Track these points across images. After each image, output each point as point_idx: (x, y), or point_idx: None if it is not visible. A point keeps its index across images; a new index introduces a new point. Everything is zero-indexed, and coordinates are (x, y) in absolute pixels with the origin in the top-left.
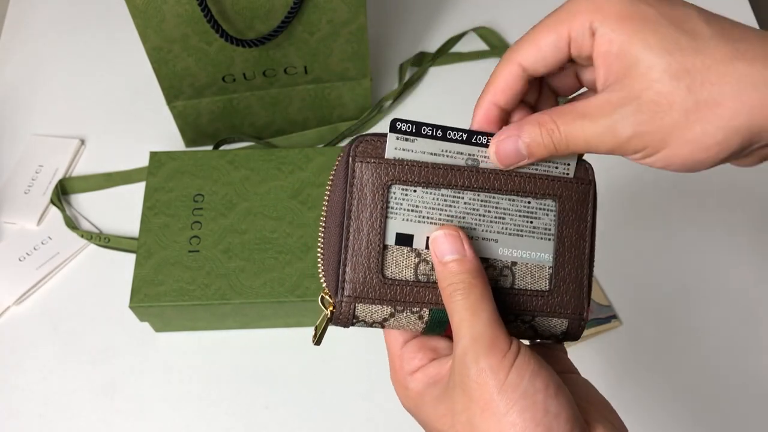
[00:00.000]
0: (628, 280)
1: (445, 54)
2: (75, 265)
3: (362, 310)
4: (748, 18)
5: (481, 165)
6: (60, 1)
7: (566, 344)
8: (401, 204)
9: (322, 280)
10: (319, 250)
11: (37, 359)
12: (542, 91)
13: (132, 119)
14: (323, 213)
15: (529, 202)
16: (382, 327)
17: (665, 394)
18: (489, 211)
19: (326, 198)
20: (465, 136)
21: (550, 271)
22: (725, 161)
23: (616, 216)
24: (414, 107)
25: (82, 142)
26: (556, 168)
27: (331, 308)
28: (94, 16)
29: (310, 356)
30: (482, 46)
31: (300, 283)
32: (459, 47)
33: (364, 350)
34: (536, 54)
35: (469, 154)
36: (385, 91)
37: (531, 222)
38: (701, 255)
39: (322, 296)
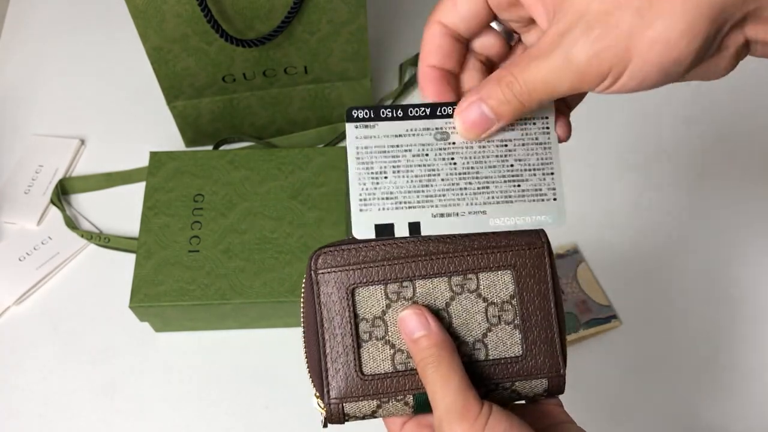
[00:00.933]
0: (628, 280)
1: None
2: (75, 265)
3: (350, 408)
4: None
5: (452, 137)
6: (60, 1)
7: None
8: (366, 302)
9: (312, 386)
10: (305, 359)
11: (37, 359)
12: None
13: (132, 119)
14: (302, 324)
15: (485, 307)
16: (374, 417)
17: (665, 393)
18: (470, 184)
19: (302, 312)
20: (428, 111)
21: (520, 336)
22: (702, 56)
23: (616, 216)
24: None
25: (82, 142)
26: (536, 139)
27: (324, 409)
28: (94, 16)
29: None
30: None
31: (300, 283)
32: None
33: None
34: (453, 11)
35: (437, 128)
36: (385, 91)
37: (516, 174)
38: (701, 255)
39: (316, 399)
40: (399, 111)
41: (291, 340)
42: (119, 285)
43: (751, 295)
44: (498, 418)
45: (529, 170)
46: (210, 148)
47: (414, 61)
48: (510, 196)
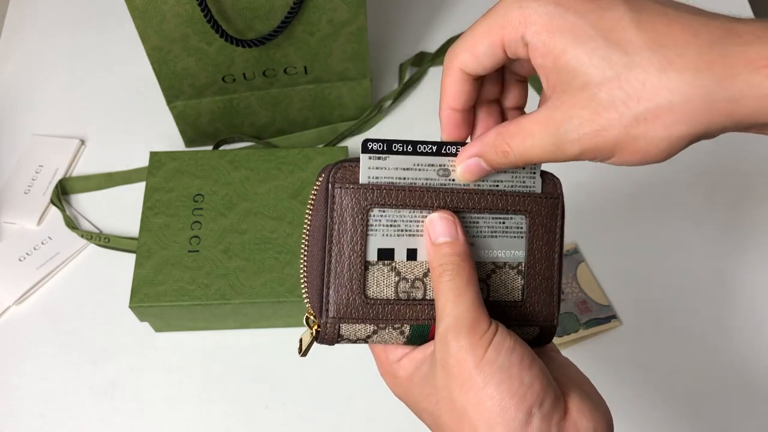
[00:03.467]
0: (628, 280)
1: (445, 54)
2: (75, 265)
3: (346, 329)
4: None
5: (452, 174)
6: (60, 1)
7: (566, 345)
8: (380, 221)
9: (306, 302)
10: (302, 272)
11: (37, 359)
12: (505, 81)
13: (132, 119)
14: (305, 235)
15: (501, 221)
16: (366, 343)
17: (665, 393)
18: (463, 218)
19: (307, 221)
20: (434, 148)
21: (522, 282)
22: (674, 154)
23: (616, 216)
24: (414, 107)
25: (82, 142)
26: (523, 182)
27: (316, 327)
28: (94, 16)
29: (310, 356)
30: None
31: (300, 283)
32: None
33: (364, 350)
34: (474, 60)
35: (440, 165)
36: (385, 91)
37: (504, 230)
38: (702, 255)
39: (306, 316)
40: (409, 146)
41: (291, 340)
42: (119, 285)
43: (751, 295)
44: (503, 336)
45: (515, 211)
46: (210, 148)
47: (414, 61)
48: (495, 232)
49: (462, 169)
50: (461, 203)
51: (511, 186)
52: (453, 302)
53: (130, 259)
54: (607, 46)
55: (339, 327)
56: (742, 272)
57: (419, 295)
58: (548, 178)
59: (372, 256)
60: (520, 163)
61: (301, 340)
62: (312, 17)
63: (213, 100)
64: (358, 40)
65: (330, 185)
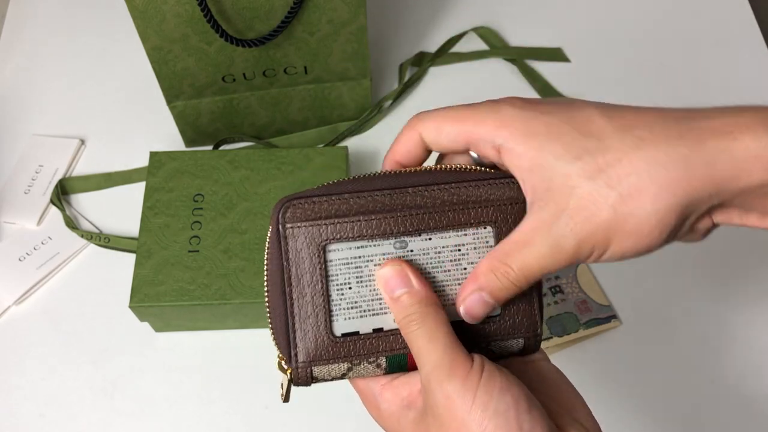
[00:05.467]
0: (628, 280)
1: (445, 54)
2: (75, 265)
3: (320, 371)
4: (749, 18)
5: (410, 246)
6: (60, 1)
7: (565, 346)
8: (338, 255)
9: (276, 348)
10: (268, 318)
11: (37, 359)
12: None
13: (132, 119)
14: (265, 282)
15: (465, 234)
16: (342, 379)
17: (665, 394)
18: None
19: (265, 268)
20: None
21: None
22: (672, 239)
23: None
24: (414, 107)
25: (82, 142)
26: (486, 240)
27: (289, 372)
28: (94, 16)
29: None
30: (482, 46)
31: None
32: (459, 47)
33: None
34: (435, 134)
35: (396, 238)
36: (385, 91)
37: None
38: (702, 254)
39: (279, 362)
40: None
41: None
42: (119, 285)
43: (751, 295)
44: (491, 374)
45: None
46: (210, 148)
47: (414, 61)
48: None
49: (466, 310)
50: (422, 224)
51: (474, 248)
52: (427, 349)
53: (130, 259)
54: (581, 137)
55: (311, 370)
56: (743, 272)
57: (389, 325)
58: (509, 182)
59: (335, 293)
60: (523, 281)
61: (282, 385)
62: (312, 17)
63: (213, 100)
64: (358, 40)
65: (280, 226)
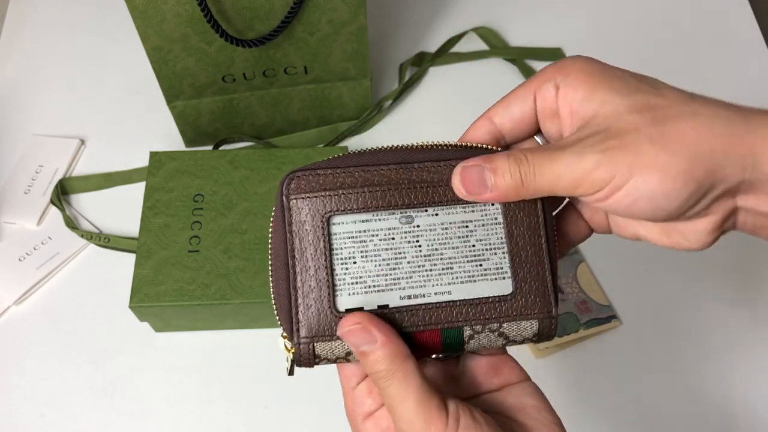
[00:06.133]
0: (628, 280)
1: (445, 54)
2: (75, 265)
3: (322, 348)
4: (749, 18)
5: (416, 221)
6: (60, 1)
7: (566, 346)
8: (342, 227)
9: (279, 324)
10: (272, 293)
11: (37, 359)
12: None
13: (132, 119)
14: (270, 256)
15: (472, 209)
16: (347, 361)
17: (665, 394)
18: (435, 265)
19: (270, 242)
20: None
21: (510, 272)
22: (691, 206)
23: None
24: (414, 107)
25: (82, 142)
26: (494, 216)
27: (292, 350)
28: (94, 16)
29: None
30: (482, 46)
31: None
32: (459, 47)
33: None
34: (504, 109)
35: (401, 212)
36: (385, 91)
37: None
38: (702, 254)
39: (283, 340)
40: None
41: None
42: (119, 285)
43: (751, 295)
44: (469, 423)
45: (490, 249)
46: (210, 148)
47: (414, 61)
48: (473, 276)
49: (461, 173)
50: (427, 198)
51: (483, 225)
52: (399, 407)
53: (130, 259)
54: (638, 82)
55: (313, 347)
56: (743, 272)
57: (395, 302)
58: None
59: (339, 267)
60: (530, 177)
61: (287, 359)
62: (312, 17)
63: (213, 100)
64: (358, 40)
65: (285, 198)
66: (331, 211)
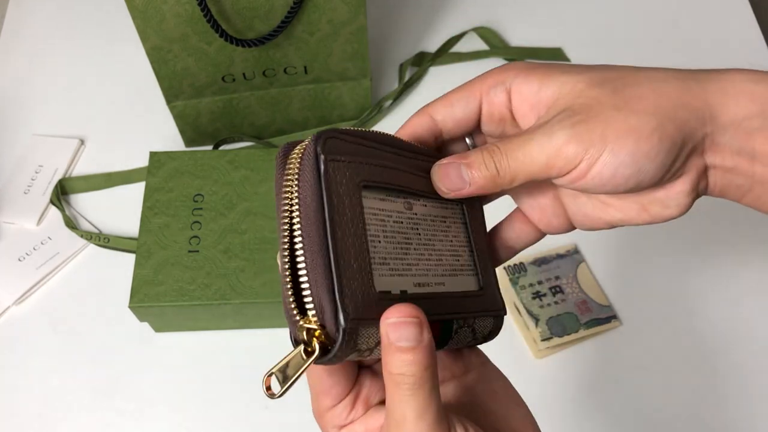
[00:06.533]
0: (628, 280)
1: (445, 54)
2: (75, 265)
3: (363, 334)
4: (749, 18)
5: (414, 208)
6: (60, 1)
7: (566, 346)
8: (371, 218)
9: (310, 306)
10: (300, 268)
11: (37, 359)
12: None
13: (132, 119)
14: (291, 224)
15: (446, 207)
16: (362, 358)
17: (665, 394)
18: (431, 255)
19: (295, 205)
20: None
21: (477, 269)
22: (669, 166)
23: None
24: (414, 107)
25: (82, 142)
26: (461, 216)
27: (322, 339)
28: (94, 16)
29: None
30: (482, 46)
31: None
32: (459, 47)
33: None
34: (447, 108)
35: (403, 198)
36: (385, 91)
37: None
38: (702, 254)
39: (302, 328)
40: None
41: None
42: (119, 285)
43: (751, 295)
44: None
45: (462, 246)
46: (210, 148)
47: (414, 61)
48: (455, 270)
49: (438, 171)
50: (425, 187)
51: (454, 222)
52: (413, 422)
53: (130, 259)
54: (586, 67)
55: (358, 333)
56: (743, 272)
57: (411, 289)
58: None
59: (370, 244)
60: (504, 165)
61: (275, 374)
62: (312, 17)
63: (213, 100)
64: (358, 40)
65: (322, 158)
66: (364, 180)
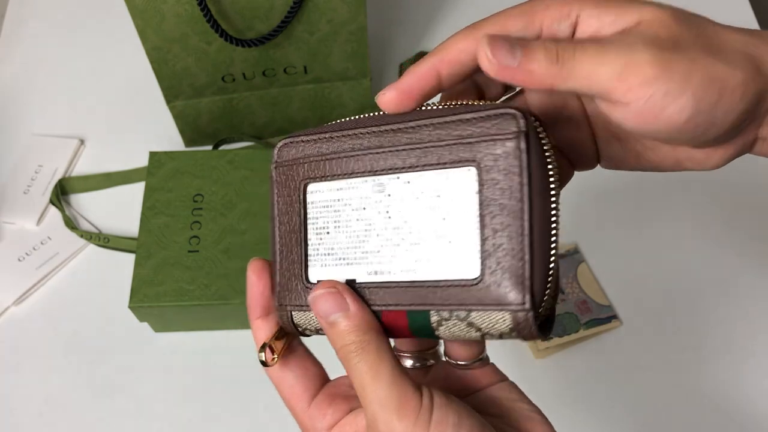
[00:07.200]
0: (628, 280)
1: None
2: (74, 265)
3: (299, 317)
4: (749, 18)
5: (387, 189)
6: (60, 1)
7: (566, 346)
8: (320, 212)
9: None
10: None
11: (36, 359)
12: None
13: (132, 119)
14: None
15: (445, 177)
16: (319, 334)
17: (665, 394)
18: (403, 239)
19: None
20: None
21: (479, 254)
22: (737, 127)
23: (616, 216)
24: None
25: (82, 142)
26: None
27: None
28: (94, 16)
29: None
30: None
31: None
32: None
33: None
34: (501, 32)
35: (374, 180)
36: None
37: (447, 229)
38: (702, 255)
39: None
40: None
41: None
42: (119, 285)
43: (752, 294)
44: (443, 410)
45: (460, 224)
46: (209, 148)
47: (414, 60)
48: (440, 254)
49: (490, 42)
50: (400, 163)
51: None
52: (371, 385)
53: (130, 259)
54: (660, 3)
55: (291, 315)
56: (743, 272)
57: (362, 278)
58: (506, 114)
59: (314, 237)
60: (569, 54)
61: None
62: (312, 17)
63: (212, 100)
64: (357, 40)
65: (272, 165)
66: (306, 179)
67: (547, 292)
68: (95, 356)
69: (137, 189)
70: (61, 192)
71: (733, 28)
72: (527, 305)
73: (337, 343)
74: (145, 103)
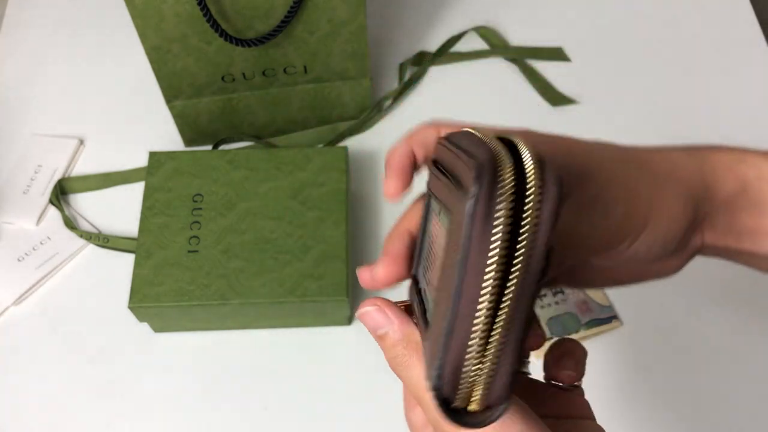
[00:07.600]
0: None
1: (445, 53)
2: (74, 265)
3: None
4: (749, 18)
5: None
6: (60, 1)
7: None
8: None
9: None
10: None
11: (36, 359)
12: None
13: (131, 119)
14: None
15: (438, 211)
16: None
17: (665, 394)
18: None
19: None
20: None
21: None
22: (683, 245)
23: None
24: (414, 107)
25: (81, 142)
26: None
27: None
28: (94, 16)
29: (310, 356)
30: (483, 45)
31: (300, 284)
32: (459, 46)
33: (364, 350)
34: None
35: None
36: (385, 90)
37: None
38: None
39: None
40: None
41: (291, 340)
42: (119, 285)
43: (752, 296)
44: (512, 419)
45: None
46: (209, 147)
47: (414, 60)
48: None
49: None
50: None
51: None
52: (426, 397)
53: (130, 259)
54: (605, 143)
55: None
56: (743, 272)
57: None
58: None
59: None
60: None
61: None
62: (312, 17)
63: (212, 100)
64: (358, 40)
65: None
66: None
67: (460, 388)
68: (95, 356)
69: (137, 189)
70: (61, 192)
71: (662, 151)
72: (441, 373)
73: (387, 354)
74: (145, 103)
